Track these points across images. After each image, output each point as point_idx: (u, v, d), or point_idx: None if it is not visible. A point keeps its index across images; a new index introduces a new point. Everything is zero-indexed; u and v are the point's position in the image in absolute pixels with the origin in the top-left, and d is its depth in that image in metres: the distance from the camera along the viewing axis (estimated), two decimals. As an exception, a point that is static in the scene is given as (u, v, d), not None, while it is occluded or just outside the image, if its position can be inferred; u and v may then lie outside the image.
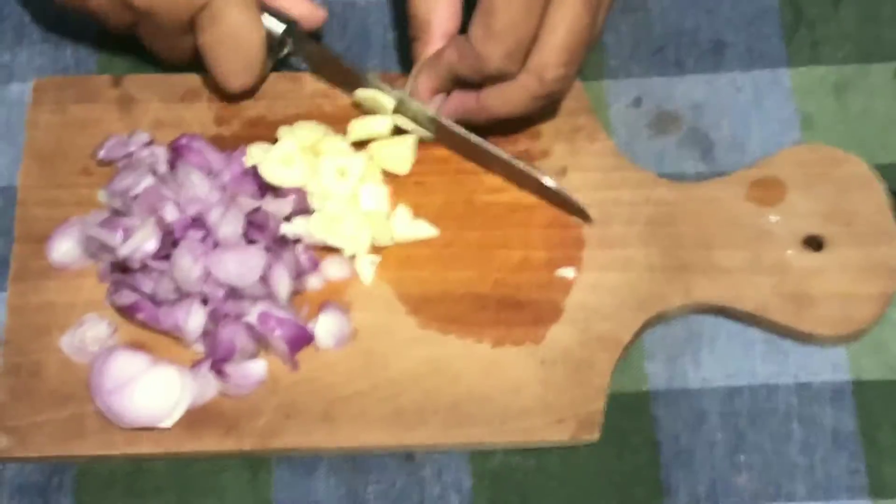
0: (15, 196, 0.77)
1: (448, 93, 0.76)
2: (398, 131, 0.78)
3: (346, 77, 0.79)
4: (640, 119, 0.80)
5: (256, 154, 0.75)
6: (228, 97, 0.78)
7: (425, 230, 0.75)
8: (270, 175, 0.74)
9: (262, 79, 0.79)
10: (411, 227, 0.75)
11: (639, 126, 0.80)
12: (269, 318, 0.71)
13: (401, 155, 0.77)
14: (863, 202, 0.75)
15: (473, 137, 0.76)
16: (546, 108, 0.76)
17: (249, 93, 0.78)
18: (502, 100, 0.74)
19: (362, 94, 0.78)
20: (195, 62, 0.77)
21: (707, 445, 0.72)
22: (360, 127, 0.77)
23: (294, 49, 0.78)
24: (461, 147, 0.77)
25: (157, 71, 0.80)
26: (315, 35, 0.81)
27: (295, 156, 0.74)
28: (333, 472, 0.71)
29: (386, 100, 0.77)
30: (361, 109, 0.79)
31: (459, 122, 0.76)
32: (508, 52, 0.71)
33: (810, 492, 0.70)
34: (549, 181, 0.75)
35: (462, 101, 0.75)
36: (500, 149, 0.76)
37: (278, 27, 0.77)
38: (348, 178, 0.75)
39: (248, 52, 0.75)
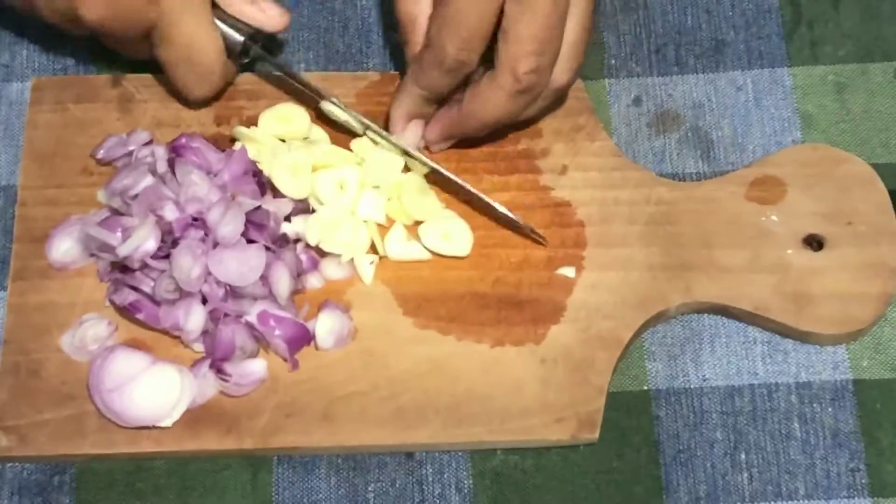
0: (15, 196, 0.77)
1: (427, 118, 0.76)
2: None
3: (310, 88, 0.77)
4: (640, 118, 0.80)
5: (244, 134, 0.76)
6: (195, 103, 0.78)
7: (418, 252, 0.75)
8: (280, 182, 0.74)
9: (227, 84, 0.78)
10: (405, 248, 0.75)
11: (639, 125, 0.80)
12: (268, 317, 0.71)
13: (390, 165, 0.76)
14: (863, 202, 0.76)
15: (437, 167, 0.75)
16: (535, 107, 0.75)
17: (215, 98, 0.78)
18: (482, 102, 0.73)
19: (327, 108, 0.76)
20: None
21: (707, 445, 0.72)
22: (374, 165, 0.76)
23: (259, 55, 0.77)
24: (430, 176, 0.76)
25: (157, 71, 0.79)
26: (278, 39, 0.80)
27: (305, 167, 0.74)
28: (333, 472, 0.71)
29: (350, 121, 0.76)
30: (327, 119, 0.78)
31: (451, 139, 0.75)
32: (464, 39, 0.70)
33: (810, 491, 0.70)
34: (507, 212, 0.74)
35: (445, 115, 0.75)
36: (464, 181, 0.75)
37: (239, 36, 0.75)
38: (347, 191, 0.75)
39: (205, 66, 0.75)
